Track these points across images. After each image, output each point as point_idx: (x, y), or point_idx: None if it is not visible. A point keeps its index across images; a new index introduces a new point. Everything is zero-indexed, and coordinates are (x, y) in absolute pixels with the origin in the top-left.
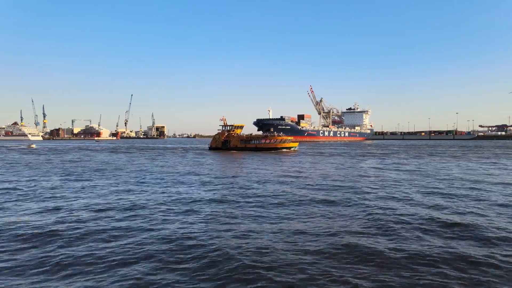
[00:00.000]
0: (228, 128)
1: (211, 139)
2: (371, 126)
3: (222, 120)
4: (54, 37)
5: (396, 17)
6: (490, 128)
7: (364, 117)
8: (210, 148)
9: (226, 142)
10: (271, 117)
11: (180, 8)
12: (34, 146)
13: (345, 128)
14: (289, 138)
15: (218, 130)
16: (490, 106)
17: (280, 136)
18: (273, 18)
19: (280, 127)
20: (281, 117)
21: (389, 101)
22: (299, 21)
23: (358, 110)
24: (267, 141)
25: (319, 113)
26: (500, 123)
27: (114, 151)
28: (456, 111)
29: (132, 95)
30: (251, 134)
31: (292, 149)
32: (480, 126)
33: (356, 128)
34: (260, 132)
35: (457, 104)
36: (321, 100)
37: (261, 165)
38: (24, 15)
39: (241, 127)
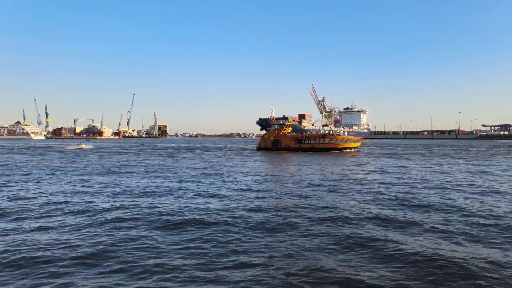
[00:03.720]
0: (277, 127)
1: (260, 138)
2: (369, 125)
3: (270, 119)
4: (54, 37)
5: (396, 17)
6: (492, 128)
7: (361, 117)
8: (258, 149)
9: (276, 142)
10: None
11: (180, 8)
12: (84, 146)
13: (343, 128)
14: (349, 137)
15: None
16: (490, 106)
17: (339, 135)
18: (273, 18)
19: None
20: (284, 116)
21: (390, 101)
22: (299, 21)
23: (356, 109)
24: (326, 140)
25: (321, 112)
26: (501, 123)
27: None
28: (457, 111)
29: (134, 94)
30: (299, 134)
31: (354, 149)
32: (483, 125)
33: (354, 127)
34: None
35: (458, 104)
36: (323, 100)
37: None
38: (24, 15)
39: (292, 125)
